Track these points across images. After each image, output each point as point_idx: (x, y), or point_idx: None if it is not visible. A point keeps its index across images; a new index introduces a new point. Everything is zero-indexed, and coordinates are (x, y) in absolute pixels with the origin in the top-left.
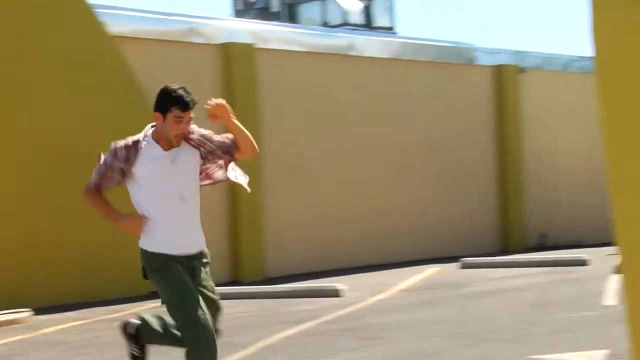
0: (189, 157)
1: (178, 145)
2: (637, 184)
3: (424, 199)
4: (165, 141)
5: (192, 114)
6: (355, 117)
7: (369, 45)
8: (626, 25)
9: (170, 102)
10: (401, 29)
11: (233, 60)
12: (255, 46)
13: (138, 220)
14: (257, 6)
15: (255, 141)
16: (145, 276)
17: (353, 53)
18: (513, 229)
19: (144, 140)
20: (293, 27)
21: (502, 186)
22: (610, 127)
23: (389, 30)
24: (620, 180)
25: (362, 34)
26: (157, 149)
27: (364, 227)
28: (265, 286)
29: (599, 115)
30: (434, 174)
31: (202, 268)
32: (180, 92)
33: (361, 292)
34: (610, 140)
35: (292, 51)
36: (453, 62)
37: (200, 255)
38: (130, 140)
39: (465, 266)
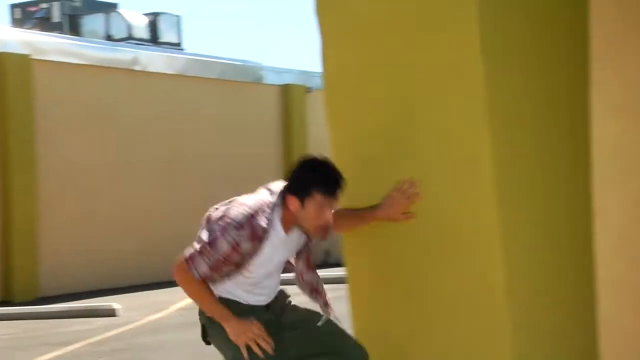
0: (298, 237)
1: (317, 236)
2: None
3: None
4: (290, 224)
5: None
6: (140, 132)
7: (154, 60)
8: (353, 54)
9: (314, 184)
10: (189, 45)
11: (7, 71)
12: (31, 57)
13: (249, 326)
14: (37, 16)
15: (32, 155)
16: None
17: (138, 68)
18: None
19: (268, 225)
20: (74, 39)
21: None
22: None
23: (176, 46)
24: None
25: (147, 49)
26: (280, 233)
27: (146, 244)
28: (36, 306)
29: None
30: (220, 192)
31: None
32: (328, 169)
33: (138, 311)
34: (336, 156)
35: (72, 64)
36: (241, 80)
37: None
38: (259, 230)
39: None
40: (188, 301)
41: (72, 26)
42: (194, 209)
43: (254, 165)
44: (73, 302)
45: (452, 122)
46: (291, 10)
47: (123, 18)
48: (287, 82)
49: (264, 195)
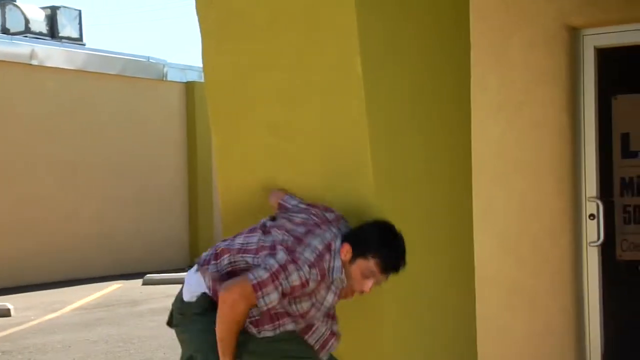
0: None
1: (343, 296)
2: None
3: (110, 214)
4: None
5: None
6: (38, 130)
7: (52, 55)
8: (233, 53)
9: (378, 250)
10: (91, 40)
11: None
12: None
13: None
14: None
15: None
16: None
17: (35, 62)
18: (202, 244)
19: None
20: None
21: (192, 202)
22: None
23: (77, 41)
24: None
25: (45, 43)
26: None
27: (44, 242)
28: None
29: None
30: (121, 189)
31: None
32: (400, 247)
33: (33, 310)
34: (218, 155)
35: None
36: (143, 76)
37: None
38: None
39: (148, 282)
40: (86, 300)
41: None
42: (95, 209)
43: (157, 164)
44: None
45: (332, 122)
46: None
47: (20, 11)
48: (191, 80)
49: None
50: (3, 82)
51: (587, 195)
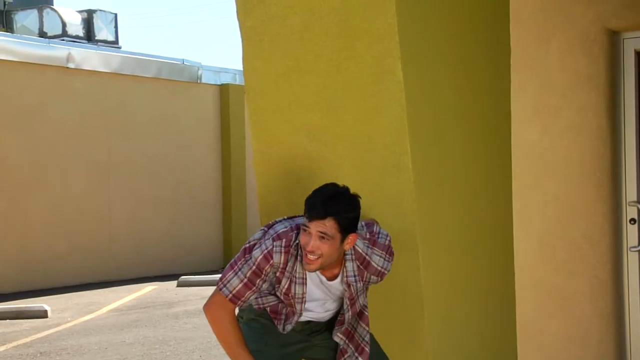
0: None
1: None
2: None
3: (143, 216)
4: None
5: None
6: (74, 132)
7: (88, 58)
8: (273, 57)
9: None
10: (126, 43)
11: None
12: None
13: None
14: None
15: None
16: None
17: (72, 65)
18: (236, 245)
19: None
20: (6, 36)
21: (226, 204)
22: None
23: (113, 44)
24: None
25: (82, 47)
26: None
27: (78, 244)
28: None
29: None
30: (155, 191)
31: None
32: (317, 193)
33: (69, 312)
34: (257, 157)
35: (4, 60)
36: (178, 79)
37: None
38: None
39: (183, 284)
40: (121, 302)
41: (5, 22)
42: (128, 211)
43: (190, 166)
44: (3, 303)
45: (372, 124)
46: (230, 9)
47: (57, 14)
48: (225, 82)
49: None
50: (40, 85)
51: (628, 200)
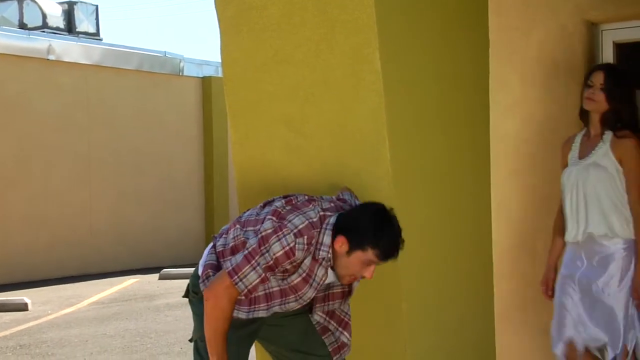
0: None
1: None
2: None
3: (125, 209)
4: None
5: None
6: (54, 123)
7: (69, 50)
8: (251, 47)
9: (373, 240)
10: (107, 36)
11: None
12: None
13: None
14: None
15: None
16: None
17: (52, 57)
18: None
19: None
20: None
21: (208, 197)
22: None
23: (94, 36)
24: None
25: (62, 38)
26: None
27: (60, 237)
28: None
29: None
30: (137, 184)
31: None
32: (394, 231)
33: (50, 305)
34: (235, 149)
35: None
36: (160, 72)
37: None
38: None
39: (165, 277)
40: (102, 295)
41: None
42: (110, 203)
43: (173, 159)
44: None
45: (350, 114)
46: (211, 1)
47: (37, 6)
48: (207, 75)
49: (315, 215)
50: (20, 77)
51: None
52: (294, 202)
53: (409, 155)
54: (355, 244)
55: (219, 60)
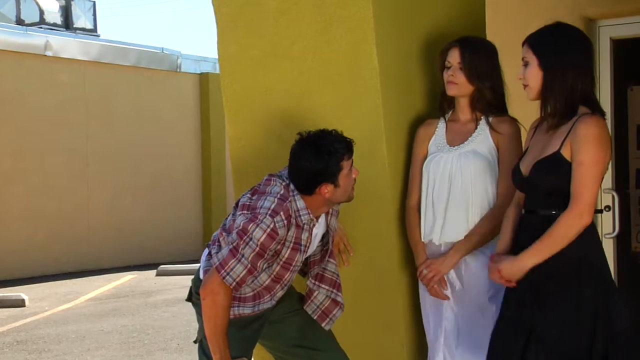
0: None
1: (349, 198)
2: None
3: (123, 205)
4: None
5: None
6: (52, 119)
7: (67, 46)
8: (248, 43)
9: (337, 158)
10: (105, 32)
11: None
12: None
13: None
14: None
15: None
16: None
17: (49, 53)
18: None
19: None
20: None
21: (205, 193)
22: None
23: (92, 32)
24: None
25: (60, 35)
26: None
27: (57, 233)
28: None
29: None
30: (134, 180)
31: None
32: (332, 138)
33: (47, 301)
34: (232, 143)
35: None
36: (157, 68)
37: None
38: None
39: (162, 273)
40: (99, 291)
41: None
42: (107, 199)
43: (170, 155)
44: None
45: (347, 110)
46: None
47: (35, 2)
48: (205, 71)
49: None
50: (18, 74)
51: (603, 187)
52: (257, 190)
53: (406, 152)
54: (333, 176)
55: (217, 57)
